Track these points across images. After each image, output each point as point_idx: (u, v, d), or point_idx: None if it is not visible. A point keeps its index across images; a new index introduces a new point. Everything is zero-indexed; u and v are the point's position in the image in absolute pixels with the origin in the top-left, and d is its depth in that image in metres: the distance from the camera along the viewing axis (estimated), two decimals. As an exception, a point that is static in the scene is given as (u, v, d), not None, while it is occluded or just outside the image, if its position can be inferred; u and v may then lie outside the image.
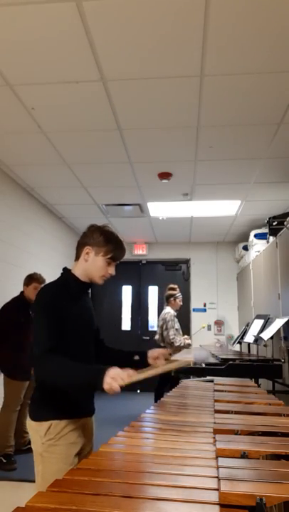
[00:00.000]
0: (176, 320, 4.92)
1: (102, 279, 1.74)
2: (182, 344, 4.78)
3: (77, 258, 1.76)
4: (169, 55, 2.42)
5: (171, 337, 4.74)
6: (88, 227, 1.76)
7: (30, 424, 1.62)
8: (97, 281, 1.74)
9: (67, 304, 1.65)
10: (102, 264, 1.71)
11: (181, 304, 5.13)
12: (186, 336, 4.98)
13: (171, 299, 5.00)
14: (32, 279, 3.73)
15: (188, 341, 4.90)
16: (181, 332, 5.00)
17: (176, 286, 5.14)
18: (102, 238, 1.71)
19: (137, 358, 1.87)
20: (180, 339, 4.80)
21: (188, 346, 4.88)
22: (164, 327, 4.82)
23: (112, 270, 1.74)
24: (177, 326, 4.92)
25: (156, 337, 4.94)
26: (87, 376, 1.48)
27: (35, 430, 1.59)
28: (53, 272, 1.80)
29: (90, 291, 1.85)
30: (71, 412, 1.58)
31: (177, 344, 4.74)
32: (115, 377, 1.40)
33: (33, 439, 1.61)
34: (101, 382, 1.40)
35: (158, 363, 1.86)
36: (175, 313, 4.96)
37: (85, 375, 1.49)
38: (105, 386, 1.40)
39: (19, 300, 3.72)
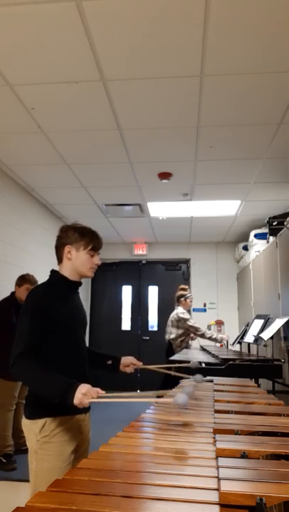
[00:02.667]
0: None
1: (90, 271, 1.81)
2: (214, 336, 4.90)
3: (60, 261, 1.82)
4: (168, 55, 2.42)
5: (199, 333, 4.83)
6: (60, 230, 1.83)
7: (25, 423, 1.64)
8: (88, 274, 1.81)
9: (57, 304, 1.69)
10: (86, 256, 1.78)
11: (192, 304, 5.21)
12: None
13: (182, 299, 5.07)
14: (24, 280, 3.73)
15: (224, 336, 5.04)
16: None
17: (186, 287, 5.24)
18: (77, 234, 1.78)
19: (109, 362, 1.98)
20: (210, 333, 4.94)
21: (221, 340, 4.98)
22: (179, 325, 4.89)
23: (96, 260, 1.81)
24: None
25: (172, 336, 4.95)
26: (58, 388, 1.49)
27: (30, 428, 1.62)
28: (52, 271, 1.83)
29: (79, 290, 1.90)
30: (65, 409, 1.57)
31: (209, 335, 4.86)
32: (86, 394, 1.45)
33: (27, 437, 1.63)
34: (72, 397, 1.44)
35: (127, 369, 1.98)
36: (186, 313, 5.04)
37: (55, 387, 1.50)
38: (76, 401, 1.44)
39: (11, 301, 3.73)
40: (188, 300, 5.09)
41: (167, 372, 2.09)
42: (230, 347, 5.92)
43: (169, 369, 2.13)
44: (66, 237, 1.78)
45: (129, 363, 1.99)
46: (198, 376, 1.77)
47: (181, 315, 4.88)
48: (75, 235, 1.77)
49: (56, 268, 1.83)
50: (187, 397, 1.32)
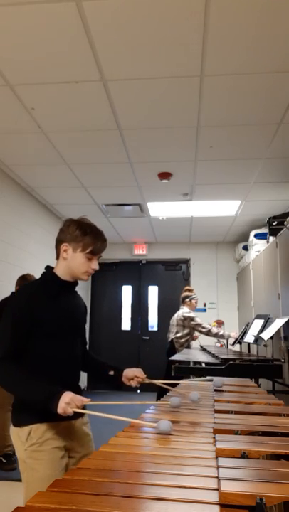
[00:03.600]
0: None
1: (85, 275, 1.64)
2: (221, 332, 4.91)
3: (57, 257, 1.66)
4: (169, 55, 2.42)
5: (205, 330, 4.85)
6: (64, 222, 1.66)
7: (12, 431, 1.56)
8: (82, 278, 1.66)
9: (43, 304, 1.57)
10: (83, 260, 1.61)
11: (197, 305, 5.25)
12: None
13: (187, 299, 5.10)
14: (25, 280, 3.74)
15: (232, 333, 5.06)
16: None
17: (192, 288, 5.30)
18: (79, 232, 1.60)
19: (111, 373, 1.80)
20: (217, 330, 4.95)
21: (227, 337, 5.00)
22: (185, 324, 4.92)
23: (94, 265, 1.64)
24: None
25: (178, 335, 4.95)
26: (40, 396, 1.42)
27: (18, 436, 1.53)
28: (52, 271, 1.77)
29: (77, 289, 1.76)
30: (51, 415, 1.42)
31: (215, 332, 4.87)
32: (70, 403, 1.38)
33: (15, 445, 1.55)
34: (55, 406, 1.37)
35: (132, 383, 1.79)
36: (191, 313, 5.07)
37: (37, 395, 1.44)
38: (59, 410, 1.37)
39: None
40: (193, 301, 5.13)
41: (171, 388, 1.98)
42: (230, 347, 5.92)
43: (174, 385, 2.01)
44: (66, 233, 1.62)
45: (132, 375, 1.77)
46: (194, 394, 1.64)
47: (187, 314, 4.92)
48: (76, 232, 1.60)
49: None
50: (170, 424, 1.28)
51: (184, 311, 5.00)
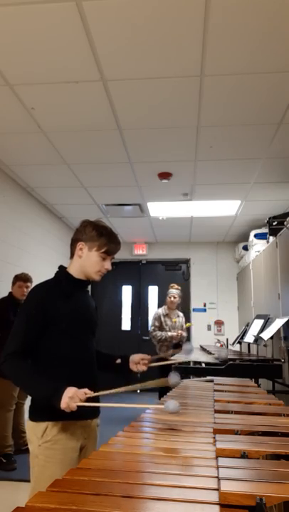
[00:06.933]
0: (162, 318, 4.88)
1: (98, 274, 1.70)
2: (163, 338, 4.80)
3: (71, 255, 1.73)
4: (168, 55, 2.42)
5: (153, 334, 4.85)
6: (80, 223, 1.73)
7: (28, 425, 1.59)
8: (94, 278, 1.71)
9: (58, 302, 1.61)
10: (97, 259, 1.67)
11: (173, 300, 4.91)
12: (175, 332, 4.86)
13: (167, 297, 5.02)
14: (17, 278, 3.81)
15: (170, 334, 4.81)
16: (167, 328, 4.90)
17: (174, 284, 5.08)
18: (95, 232, 1.67)
19: (118, 361, 1.86)
20: (160, 333, 4.82)
21: (171, 339, 4.80)
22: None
23: (107, 265, 1.71)
24: (168, 323, 4.89)
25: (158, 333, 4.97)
26: (44, 393, 1.46)
27: (33, 431, 1.56)
28: (53, 271, 1.78)
29: (88, 288, 1.81)
30: (68, 414, 1.45)
31: (158, 338, 4.81)
32: (73, 397, 1.40)
33: (30, 439, 1.58)
34: (58, 402, 1.40)
35: (139, 368, 1.85)
36: (164, 312, 4.93)
37: (41, 392, 1.48)
38: (62, 405, 1.40)
39: (8, 299, 3.75)
40: (167, 297, 4.97)
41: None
42: (230, 347, 5.91)
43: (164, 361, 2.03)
44: (82, 233, 1.68)
45: (138, 359, 1.85)
46: (171, 403, 1.48)
47: (157, 313, 4.93)
48: (92, 232, 1.67)
49: (56, 268, 1.76)
50: (178, 404, 1.28)
51: (160, 309, 4.99)
